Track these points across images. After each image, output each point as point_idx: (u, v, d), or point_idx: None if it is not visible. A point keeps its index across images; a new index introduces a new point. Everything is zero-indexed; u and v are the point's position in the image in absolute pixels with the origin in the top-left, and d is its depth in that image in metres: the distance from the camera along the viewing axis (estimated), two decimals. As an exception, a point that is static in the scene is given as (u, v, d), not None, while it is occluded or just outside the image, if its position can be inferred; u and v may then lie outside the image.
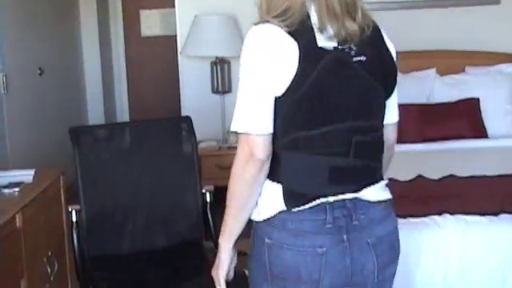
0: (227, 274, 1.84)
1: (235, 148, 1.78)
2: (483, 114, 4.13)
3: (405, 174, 3.31)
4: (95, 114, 6.42)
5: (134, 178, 2.90)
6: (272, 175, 1.74)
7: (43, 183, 3.04)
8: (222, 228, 1.82)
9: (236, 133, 1.74)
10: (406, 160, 3.61)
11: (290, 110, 1.68)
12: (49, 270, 2.92)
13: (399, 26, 4.52)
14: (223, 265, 1.82)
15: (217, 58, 4.90)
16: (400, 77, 4.22)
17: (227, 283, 1.84)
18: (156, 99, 6.75)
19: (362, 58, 1.73)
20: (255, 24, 1.72)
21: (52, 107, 5.31)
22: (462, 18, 4.60)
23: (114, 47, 7.09)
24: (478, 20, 4.60)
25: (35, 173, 3.15)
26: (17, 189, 2.90)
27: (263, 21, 1.71)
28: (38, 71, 5.03)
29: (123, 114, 7.12)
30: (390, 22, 4.47)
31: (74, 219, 2.94)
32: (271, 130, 1.71)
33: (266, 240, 1.74)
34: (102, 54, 6.51)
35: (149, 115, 6.30)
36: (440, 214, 2.81)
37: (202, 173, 3.58)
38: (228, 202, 1.78)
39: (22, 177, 3.07)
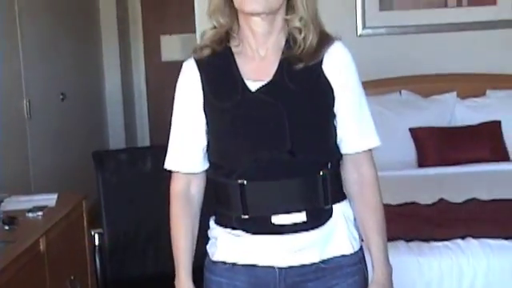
0: None
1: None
2: (505, 137, 4.11)
3: (427, 198, 3.30)
4: (116, 139, 6.47)
5: (157, 201, 2.89)
6: None
7: (66, 207, 3.08)
8: None
9: None
10: (428, 183, 3.61)
11: None
12: (72, 294, 2.94)
13: (419, 50, 4.57)
14: None
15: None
16: (420, 100, 4.28)
17: None
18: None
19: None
20: None
21: (74, 132, 5.36)
22: (482, 42, 4.59)
23: (135, 72, 7.15)
24: (498, 43, 4.59)
25: (58, 197, 3.19)
26: (40, 213, 2.93)
27: None
28: (61, 96, 5.09)
29: (144, 139, 7.16)
30: (410, 46, 4.54)
31: (97, 243, 2.95)
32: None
33: None
34: (122, 79, 6.58)
35: (169, 138, 6.30)
36: (463, 238, 2.79)
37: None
38: None
39: (46, 201, 3.11)
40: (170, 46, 7.16)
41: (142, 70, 7.20)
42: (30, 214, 2.92)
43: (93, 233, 2.98)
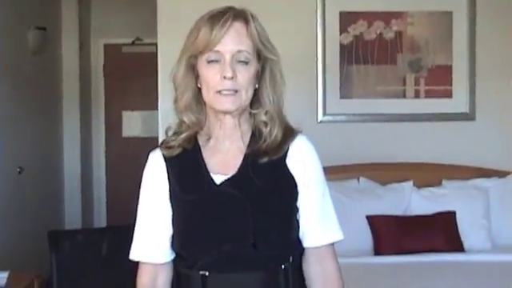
0: None
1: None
2: (459, 228, 4.16)
3: (383, 287, 3.30)
4: (72, 215, 6.37)
5: (113, 285, 2.86)
6: None
7: (17, 286, 2.99)
8: None
9: None
10: (385, 272, 3.62)
11: None
12: None
13: (378, 139, 4.66)
14: None
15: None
16: (378, 188, 4.32)
17: None
18: (135, 201, 6.67)
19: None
20: None
21: (29, 207, 5.27)
22: (439, 133, 4.71)
23: (95, 147, 7.13)
24: (454, 135, 4.71)
25: (9, 275, 3.10)
26: (-11, 292, 2.85)
27: None
28: (18, 169, 5.03)
29: (101, 216, 7.07)
30: (370, 134, 4.63)
31: (47, 326, 2.87)
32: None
33: None
34: (82, 154, 6.54)
35: (127, 217, 6.23)
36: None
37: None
38: None
39: (-5, 279, 3.02)
40: (132, 123, 7.18)
41: (102, 144, 7.18)
42: (-21, 294, 2.84)
43: (43, 315, 2.90)
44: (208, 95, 1.69)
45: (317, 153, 1.77)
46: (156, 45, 4.70)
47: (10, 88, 4.91)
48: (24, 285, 3.05)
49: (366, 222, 4.13)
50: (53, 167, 6.13)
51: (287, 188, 1.71)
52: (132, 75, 7.08)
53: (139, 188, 1.81)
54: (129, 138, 7.17)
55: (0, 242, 4.53)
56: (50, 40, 5.82)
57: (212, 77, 1.67)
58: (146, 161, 1.80)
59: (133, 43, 7.10)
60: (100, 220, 7.04)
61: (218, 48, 1.66)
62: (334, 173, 4.15)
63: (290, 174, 1.71)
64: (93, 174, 7.08)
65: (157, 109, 4.72)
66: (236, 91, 1.66)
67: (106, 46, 7.16)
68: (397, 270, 3.66)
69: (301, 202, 1.72)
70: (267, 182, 1.68)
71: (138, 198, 1.81)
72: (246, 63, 1.67)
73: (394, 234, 4.07)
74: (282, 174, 1.70)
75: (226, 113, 1.70)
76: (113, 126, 7.20)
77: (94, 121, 7.12)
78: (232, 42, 1.66)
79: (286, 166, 1.71)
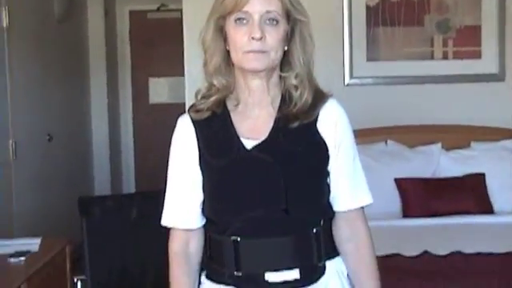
0: None
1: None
2: (489, 190, 4.13)
3: (411, 249, 3.30)
4: (102, 182, 6.44)
5: (142, 249, 2.89)
6: None
7: (49, 253, 3.04)
8: None
9: None
10: (412, 235, 3.61)
11: None
12: None
13: (405, 101, 4.62)
14: None
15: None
16: (406, 151, 4.30)
17: None
18: (163, 168, 6.71)
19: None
20: None
21: (59, 174, 5.34)
22: (468, 94, 4.66)
23: (123, 114, 7.17)
24: (484, 96, 4.65)
25: (41, 241, 3.15)
26: (23, 258, 2.90)
27: None
28: (47, 137, 5.08)
29: (130, 182, 7.13)
30: (397, 97, 4.59)
31: (80, 290, 2.92)
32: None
33: None
34: (110, 121, 6.59)
35: (155, 183, 6.29)
36: (447, 292, 2.79)
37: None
38: None
39: (28, 246, 3.08)
40: (158, 89, 7.20)
41: (129, 112, 7.22)
42: (12, 260, 2.88)
43: (75, 279, 2.95)
44: (236, 56, 1.67)
45: (347, 117, 1.76)
46: (181, 11, 4.68)
47: (36, 57, 4.94)
48: (56, 250, 3.11)
49: (394, 184, 4.11)
50: (81, 134, 6.18)
51: (318, 152, 1.70)
52: (158, 41, 7.07)
53: (167, 154, 1.81)
54: (156, 105, 7.20)
55: (31, 209, 4.60)
56: (75, 7, 5.83)
57: (240, 38, 1.65)
58: (174, 126, 1.79)
59: (158, 9, 7.09)
60: (129, 186, 7.11)
61: (246, 8, 1.63)
62: (361, 136, 4.07)
63: (321, 138, 1.69)
64: (121, 141, 7.13)
65: (183, 75, 4.71)
66: (264, 52, 1.64)
67: (131, 13, 7.16)
68: (425, 233, 3.65)
69: (331, 166, 1.72)
70: (298, 146, 1.67)
71: (165, 164, 1.81)
72: (275, 24, 1.65)
73: (422, 197, 4.05)
74: (313, 138, 1.69)
75: (254, 73, 1.67)
76: (140, 92, 7.23)
77: (121, 88, 7.15)
78: (260, 2, 1.63)
79: (316, 130, 1.70)
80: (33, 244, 3.11)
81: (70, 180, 5.58)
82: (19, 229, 4.29)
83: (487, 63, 4.64)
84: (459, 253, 3.26)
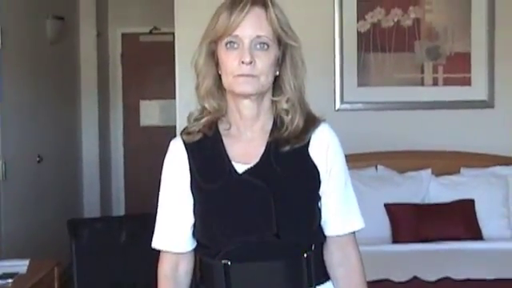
0: None
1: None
2: (478, 216, 4.14)
3: (400, 275, 3.29)
4: (91, 203, 6.42)
5: (130, 271, 2.88)
6: None
7: (38, 274, 3.03)
8: None
9: None
10: (402, 260, 3.61)
11: None
12: None
13: (396, 127, 4.64)
14: None
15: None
16: (396, 176, 4.31)
17: None
18: (153, 190, 6.70)
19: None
20: None
21: (49, 195, 5.31)
22: (458, 121, 4.69)
23: (113, 136, 7.17)
24: (473, 122, 4.69)
25: (29, 263, 3.13)
26: (10, 280, 2.89)
27: None
28: (37, 158, 5.06)
29: (119, 204, 7.11)
30: (387, 122, 4.62)
31: (67, 312, 2.90)
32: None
33: None
34: (100, 143, 6.58)
35: (145, 206, 6.28)
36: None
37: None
38: None
39: (16, 267, 3.06)
40: (149, 112, 7.21)
41: (120, 134, 7.21)
42: (0, 282, 2.86)
43: (63, 302, 2.93)
44: (227, 80, 1.68)
45: (339, 141, 1.77)
46: (173, 34, 4.71)
47: (28, 77, 4.95)
48: (44, 272, 3.09)
49: (384, 210, 4.12)
50: (72, 156, 6.17)
51: (310, 177, 1.70)
52: (149, 64, 7.09)
53: (157, 176, 1.81)
54: (146, 127, 7.20)
55: (20, 231, 4.58)
56: (67, 29, 5.85)
57: (231, 62, 1.66)
58: (165, 149, 1.79)
59: (150, 32, 7.12)
60: (118, 208, 7.08)
61: (236, 33, 1.65)
62: (351, 161, 4.06)
63: (313, 162, 1.70)
64: (111, 163, 7.12)
65: (174, 98, 4.73)
66: (254, 76, 1.65)
67: (123, 35, 7.18)
68: (415, 258, 3.65)
69: (323, 191, 1.72)
70: (289, 170, 1.67)
71: (155, 186, 1.81)
72: (266, 49, 1.66)
73: (412, 222, 4.06)
74: (305, 163, 1.69)
75: (244, 97, 1.68)
76: (131, 115, 7.23)
77: (112, 110, 7.16)
78: (251, 27, 1.65)
79: (308, 154, 1.70)
80: (21, 266, 3.10)
81: (60, 201, 5.56)
82: (7, 250, 4.26)
83: (477, 90, 4.67)
84: (448, 279, 3.26)
